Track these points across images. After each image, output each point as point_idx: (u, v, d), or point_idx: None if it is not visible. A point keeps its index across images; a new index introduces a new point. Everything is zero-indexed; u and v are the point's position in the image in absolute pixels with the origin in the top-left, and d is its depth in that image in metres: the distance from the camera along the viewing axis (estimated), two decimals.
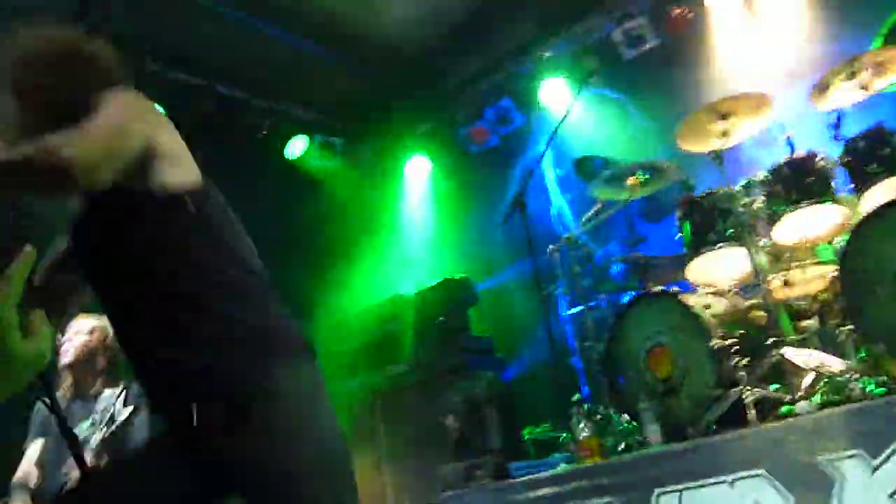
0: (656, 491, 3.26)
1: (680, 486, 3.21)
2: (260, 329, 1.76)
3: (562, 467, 3.87)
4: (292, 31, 5.67)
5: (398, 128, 7.12)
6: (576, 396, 4.20)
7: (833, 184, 3.88)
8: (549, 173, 6.62)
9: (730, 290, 4.15)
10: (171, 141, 1.80)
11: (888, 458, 2.71)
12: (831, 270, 3.78)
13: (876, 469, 2.72)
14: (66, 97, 1.74)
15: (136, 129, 1.68)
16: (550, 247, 4.90)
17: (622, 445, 3.92)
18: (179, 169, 1.78)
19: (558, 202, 6.48)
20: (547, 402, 4.52)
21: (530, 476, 3.85)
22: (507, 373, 4.71)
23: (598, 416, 4.21)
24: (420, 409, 4.92)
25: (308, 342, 1.85)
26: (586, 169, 5.08)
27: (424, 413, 4.86)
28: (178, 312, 1.72)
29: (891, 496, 2.66)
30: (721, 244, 4.01)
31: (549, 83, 6.54)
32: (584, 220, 5.04)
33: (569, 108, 5.11)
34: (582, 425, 3.88)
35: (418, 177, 7.24)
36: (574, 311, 4.97)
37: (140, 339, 1.79)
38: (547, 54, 6.51)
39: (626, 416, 4.05)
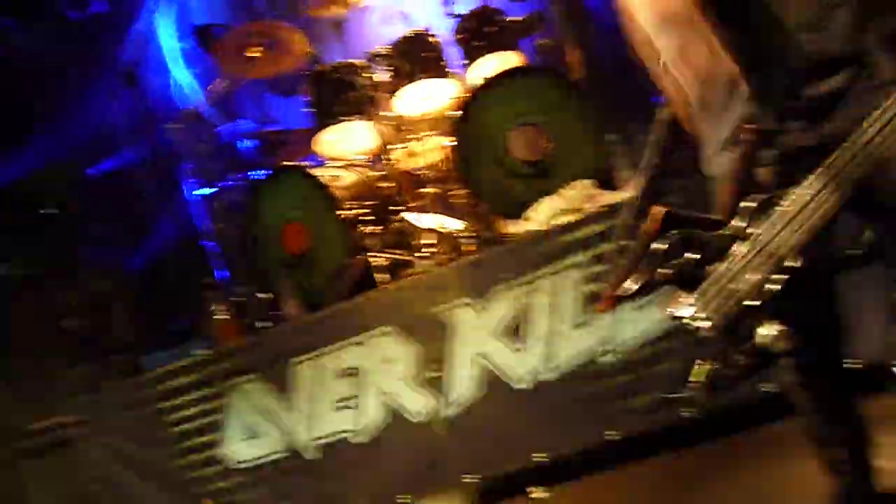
0: (292, 360, 3.33)
1: (316, 353, 3.31)
2: None
3: (199, 353, 3.74)
4: None
5: None
6: (210, 280, 4.05)
7: (446, 59, 4.12)
8: (170, 44, 6.04)
9: (358, 162, 4.26)
10: None
11: (491, 300, 3.08)
12: (448, 140, 4.07)
13: (482, 311, 3.08)
14: None
15: None
16: (170, 124, 4.52)
17: (262, 324, 3.90)
18: None
19: (182, 76, 5.97)
20: (182, 289, 4.29)
21: (166, 367, 3.67)
22: (132, 263, 4.33)
23: (236, 298, 4.12)
24: (35, 313, 4.33)
25: None
26: (207, 38, 4.71)
27: (41, 318, 4.29)
28: None
29: (491, 332, 3.05)
30: (345, 117, 4.06)
31: None
32: (208, 93, 4.73)
33: None
34: (219, 307, 3.77)
35: None
36: (204, 192, 4.71)
37: None
38: None
39: (265, 294, 4.01)
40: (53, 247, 4.25)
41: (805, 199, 1.44)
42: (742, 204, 1.51)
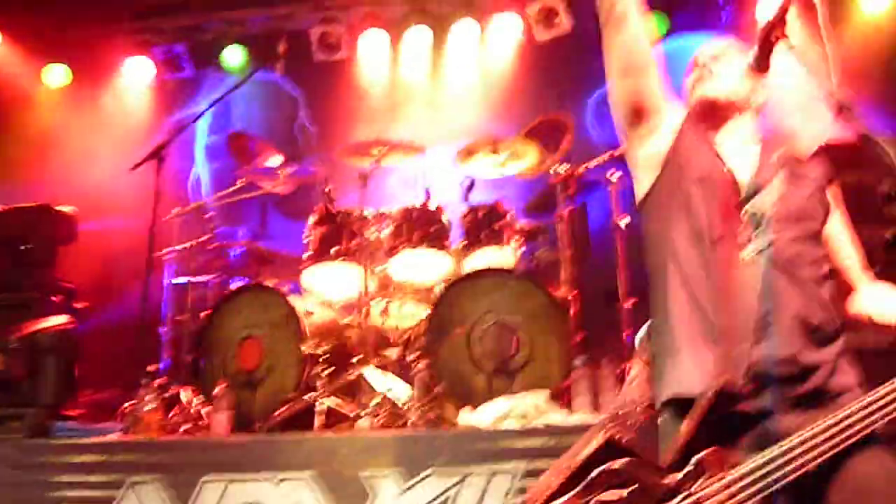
0: (203, 477, 3.22)
1: (228, 477, 3.21)
2: None
3: (113, 436, 3.61)
4: None
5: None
6: (152, 367, 3.99)
7: (450, 238, 4.32)
8: (202, 137, 6.32)
9: (334, 304, 4.33)
10: None
11: (419, 481, 3.04)
12: (423, 311, 4.17)
13: (407, 490, 3.03)
14: None
15: None
16: (177, 209, 4.64)
17: (184, 428, 3.80)
18: None
19: (201, 168, 6.20)
20: (120, 365, 4.20)
21: (75, 439, 3.53)
22: (85, 324, 4.27)
23: (169, 394, 4.04)
24: None
25: None
26: (240, 145, 4.94)
27: None
28: None
29: None
30: (340, 258, 4.18)
31: (233, 50, 6.30)
32: (220, 194, 4.89)
33: (241, 83, 4.96)
34: (150, 397, 3.68)
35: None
36: (179, 280, 4.74)
37: None
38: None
39: (198, 399, 3.94)
40: (11, 280, 4.19)
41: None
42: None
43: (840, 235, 1.87)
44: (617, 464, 1.55)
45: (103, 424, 3.88)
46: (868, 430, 1.51)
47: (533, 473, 2.94)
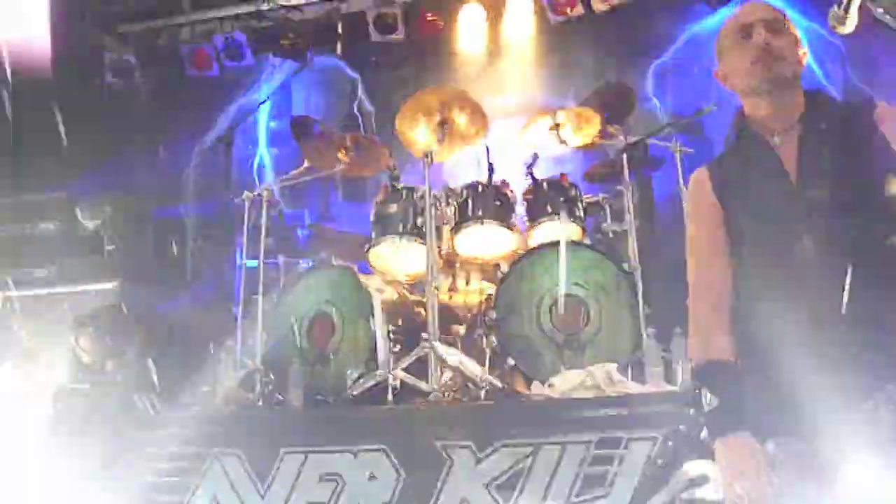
0: (283, 449, 3.32)
1: (307, 448, 3.30)
2: None
3: (195, 410, 3.74)
4: None
5: None
6: (228, 345, 4.11)
7: (515, 213, 4.32)
8: (263, 123, 6.44)
9: (401, 281, 4.38)
10: None
11: (491, 454, 3.08)
12: (490, 287, 4.19)
13: (480, 461, 3.08)
14: None
15: None
16: (245, 194, 4.75)
17: (260, 402, 3.91)
18: None
19: (264, 154, 6.32)
20: (198, 346, 4.34)
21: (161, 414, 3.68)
22: (168, 304, 4.43)
23: (246, 371, 4.15)
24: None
25: None
26: (302, 129, 5.01)
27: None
28: None
29: (486, 485, 3.03)
30: (407, 237, 4.22)
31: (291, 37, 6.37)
32: (284, 177, 4.97)
33: (300, 68, 5.05)
34: (228, 374, 3.81)
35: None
36: (250, 263, 4.86)
37: None
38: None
39: (273, 375, 4.04)
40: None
41: None
42: None
43: None
44: None
45: (185, 400, 4.01)
46: None
47: (605, 443, 2.95)
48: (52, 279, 4.49)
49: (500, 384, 3.59)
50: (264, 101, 4.98)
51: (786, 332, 1.67)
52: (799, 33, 1.87)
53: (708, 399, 1.74)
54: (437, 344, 3.89)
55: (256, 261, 4.79)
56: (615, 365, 3.49)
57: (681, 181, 4.25)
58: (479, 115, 4.40)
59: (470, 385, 3.60)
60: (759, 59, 1.80)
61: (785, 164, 1.80)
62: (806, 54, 1.88)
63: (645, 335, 3.61)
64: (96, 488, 3.46)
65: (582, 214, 4.32)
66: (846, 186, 1.70)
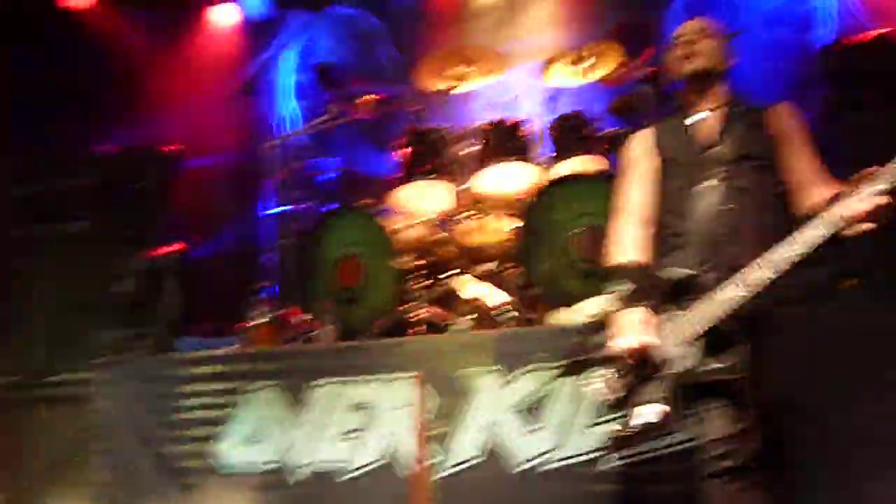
0: (317, 381, 3.43)
1: (337, 379, 3.40)
2: None
3: (229, 348, 3.86)
4: None
5: None
6: (258, 289, 4.22)
7: (538, 150, 4.33)
8: (289, 74, 6.47)
9: (427, 221, 4.43)
10: None
11: (517, 378, 3.15)
12: (513, 223, 4.22)
13: (507, 385, 3.15)
14: None
15: None
16: (270, 141, 4.81)
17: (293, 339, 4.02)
18: None
19: (289, 104, 6.36)
20: (231, 289, 4.45)
21: (196, 353, 3.80)
22: (198, 251, 4.53)
23: (278, 312, 4.26)
24: (91, 270, 4.52)
25: None
26: (326, 76, 5.05)
27: (96, 276, 4.47)
28: None
29: (510, 406, 3.12)
30: (430, 176, 4.26)
31: None
32: (311, 123, 5.02)
33: (321, 18, 5.05)
34: (261, 313, 3.91)
35: None
36: (278, 210, 4.94)
37: None
38: None
39: (305, 315, 4.15)
40: (129, 214, 4.48)
41: None
42: None
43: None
44: None
45: (221, 339, 4.14)
46: None
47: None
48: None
49: (525, 313, 3.64)
50: (288, 52, 4.98)
51: None
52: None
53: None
54: (463, 277, 3.96)
55: (284, 207, 4.89)
56: None
57: None
58: (496, 59, 4.40)
59: (496, 314, 3.66)
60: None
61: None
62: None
63: None
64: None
65: (606, 148, 4.31)
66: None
